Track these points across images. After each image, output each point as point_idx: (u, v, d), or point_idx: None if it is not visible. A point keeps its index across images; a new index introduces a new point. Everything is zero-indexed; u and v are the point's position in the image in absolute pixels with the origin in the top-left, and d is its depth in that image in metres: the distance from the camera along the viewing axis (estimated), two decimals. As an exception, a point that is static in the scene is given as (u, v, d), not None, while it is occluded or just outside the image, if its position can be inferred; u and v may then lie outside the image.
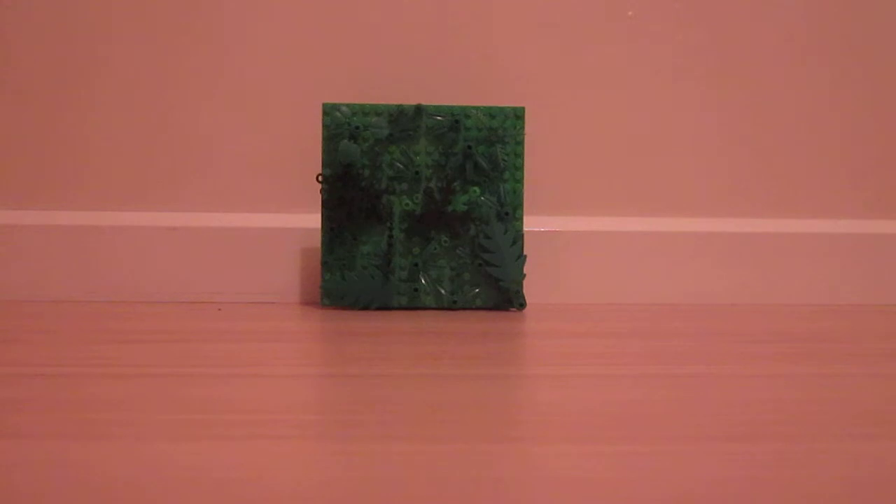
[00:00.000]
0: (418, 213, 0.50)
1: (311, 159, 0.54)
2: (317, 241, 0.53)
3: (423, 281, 0.50)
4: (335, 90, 0.54)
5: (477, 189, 0.50)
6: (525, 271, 0.50)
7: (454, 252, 0.50)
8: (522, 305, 0.50)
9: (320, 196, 0.50)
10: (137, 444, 0.24)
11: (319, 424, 0.28)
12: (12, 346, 0.39)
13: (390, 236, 0.49)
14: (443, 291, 0.50)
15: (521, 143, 0.50)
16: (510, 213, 0.50)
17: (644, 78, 0.56)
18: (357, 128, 0.49)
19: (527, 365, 0.38)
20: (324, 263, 0.49)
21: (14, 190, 0.54)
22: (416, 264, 0.50)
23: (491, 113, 0.50)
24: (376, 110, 0.49)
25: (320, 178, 0.49)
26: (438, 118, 0.50)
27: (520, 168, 0.50)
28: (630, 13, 0.56)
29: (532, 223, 0.55)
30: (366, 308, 0.49)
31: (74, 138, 0.54)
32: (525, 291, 0.51)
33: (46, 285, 0.52)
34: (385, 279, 0.49)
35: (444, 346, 0.40)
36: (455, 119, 0.50)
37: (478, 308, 0.50)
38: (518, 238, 0.50)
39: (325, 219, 0.49)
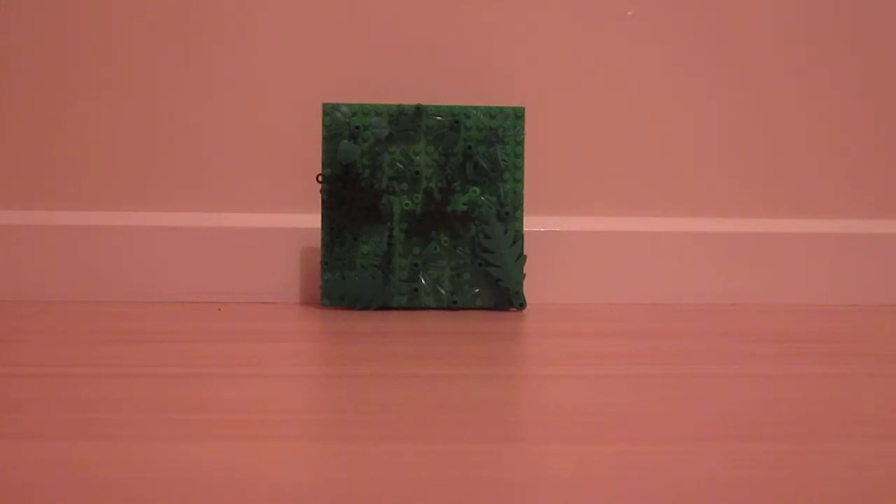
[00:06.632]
0: (418, 213, 0.50)
1: (311, 159, 0.54)
2: (317, 241, 0.53)
3: (423, 281, 0.50)
4: (335, 90, 0.54)
5: (477, 189, 0.50)
6: (525, 271, 0.50)
7: (454, 252, 0.50)
8: (522, 305, 0.50)
9: (320, 196, 0.50)
10: (137, 444, 0.24)
11: (319, 424, 0.28)
12: (12, 346, 0.39)
13: (390, 236, 0.49)
14: (443, 291, 0.50)
15: (521, 143, 0.50)
16: (510, 213, 0.50)
17: (644, 78, 0.56)
18: (357, 128, 0.49)
19: (527, 365, 0.38)
20: (324, 263, 0.49)
21: (14, 190, 0.54)
22: (416, 264, 0.50)
23: (491, 113, 0.50)
24: (376, 110, 0.49)
25: (320, 178, 0.49)
26: (438, 118, 0.50)
27: (520, 168, 0.50)
28: (630, 13, 0.56)
29: (532, 223, 0.55)
30: (366, 308, 0.49)
31: (74, 138, 0.54)
32: (525, 291, 0.51)
33: (46, 285, 0.52)
34: (385, 279, 0.49)
35: (444, 346, 0.40)
36: (455, 119, 0.50)
37: (478, 308, 0.50)
38: (518, 238, 0.50)
39: (325, 219, 0.49)
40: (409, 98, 0.54)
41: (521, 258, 0.50)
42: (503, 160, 0.50)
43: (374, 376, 0.33)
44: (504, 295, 0.50)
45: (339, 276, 0.49)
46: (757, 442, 0.26)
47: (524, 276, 0.50)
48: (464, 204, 0.50)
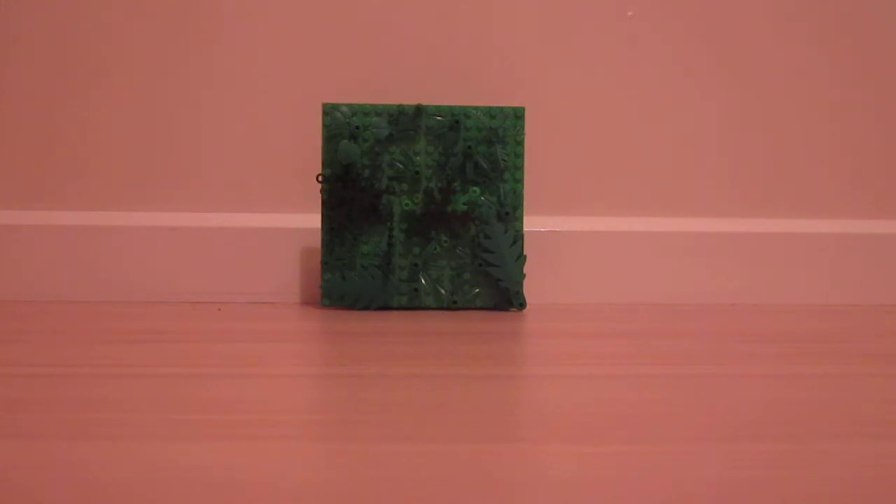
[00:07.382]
0: (418, 213, 0.50)
1: (311, 159, 0.54)
2: (317, 241, 0.53)
3: (423, 281, 0.50)
4: (335, 90, 0.54)
5: (477, 189, 0.50)
6: (525, 271, 0.50)
7: (454, 252, 0.50)
8: (522, 305, 0.50)
9: (320, 196, 0.50)
10: (137, 444, 0.24)
11: (319, 424, 0.28)
12: (12, 346, 0.39)
13: (390, 236, 0.49)
14: (443, 291, 0.50)
15: (521, 143, 0.50)
16: (510, 213, 0.50)
17: (644, 78, 0.56)
18: (357, 128, 0.49)
19: (527, 365, 0.38)
20: (324, 263, 0.49)
21: (14, 190, 0.54)
22: (416, 264, 0.50)
23: (491, 113, 0.50)
24: (376, 110, 0.49)
25: (320, 178, 0.49)
26: (438, 118, 0.50)
27: (520, 168, 0.50)
28: (630, 13, 0.56)
29: (532, 223, 0.55)
30: (366, 308, 0.49)
31: (74, 138, 0.54)
32: (525, 291, 0.51)
33: (46, 285, 0.52)
34: (385, 279, 0.49)
35: (444, 346, 0.40)
36: (455, 119, 0.50)
37: (478, 308, 0.50)
38: (518, 238, 0.50)
39: (325, 219, 0.49)
40: (409, 98, 0.54)
41: (521, 258, 0.50)
42: (503, 160, 0.50)
43: (374, 376, 0.33)
44: (504, 295, 0.50)
45: (339, 276, 0.49)
46: (757, 442, 0.26)
47: (524, 276, 0.50)
48: (464, 204, 0.50)
